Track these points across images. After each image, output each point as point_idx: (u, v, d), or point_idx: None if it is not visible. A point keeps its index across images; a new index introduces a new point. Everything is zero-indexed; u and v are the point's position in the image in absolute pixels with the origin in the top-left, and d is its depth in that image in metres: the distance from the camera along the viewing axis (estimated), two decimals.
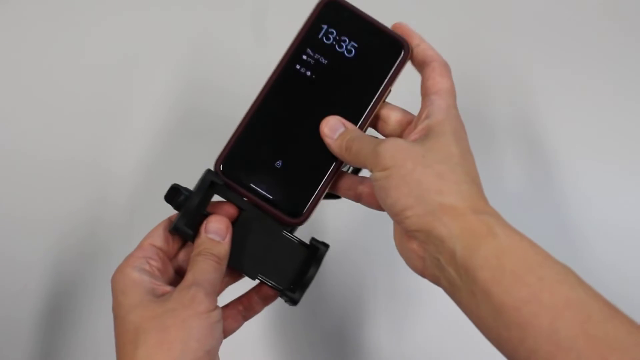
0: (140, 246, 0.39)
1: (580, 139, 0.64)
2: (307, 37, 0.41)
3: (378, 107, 0.41)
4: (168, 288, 0.38)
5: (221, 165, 0.41)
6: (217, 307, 0.37)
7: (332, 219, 0.55)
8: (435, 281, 0.36)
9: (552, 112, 0.65)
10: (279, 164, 0.41)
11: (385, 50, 0.41)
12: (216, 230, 0.39)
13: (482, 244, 0.33)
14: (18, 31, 0.66)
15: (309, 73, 0.41)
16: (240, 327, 0.42)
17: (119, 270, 0.38)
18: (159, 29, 0.67)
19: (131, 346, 0.34)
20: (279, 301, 0.42)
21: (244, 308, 0.42)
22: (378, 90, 0.41)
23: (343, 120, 0.40)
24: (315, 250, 0.41)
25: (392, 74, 0.41)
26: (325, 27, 0.41)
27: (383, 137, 0.40)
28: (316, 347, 0.57)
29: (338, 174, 0.42)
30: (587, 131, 0.64)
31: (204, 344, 0.35)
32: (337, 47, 0.41)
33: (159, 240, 0.40)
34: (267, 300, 0.42)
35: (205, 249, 0.38)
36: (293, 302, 0.41)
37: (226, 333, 0.41)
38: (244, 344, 0.55)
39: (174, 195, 0.40)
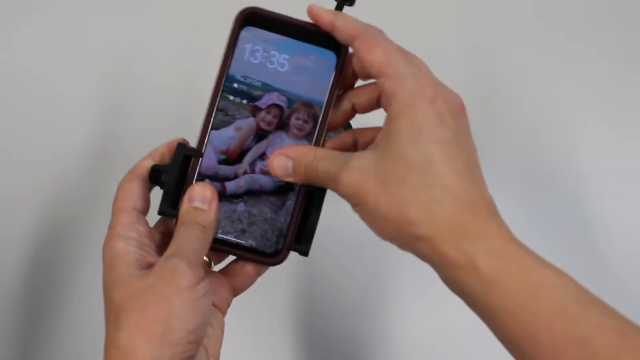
0: (122, 210, 0.36)
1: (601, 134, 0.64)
2: (233, 63, 0.38)
3: (329, 115, 0.38)
4: (153, 259, 0.35)
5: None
6: (202, 279, 0.33)
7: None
8: None
9: (568, 112, 0.65)
10: (241, 206, 0.38)
11: (320, 53, 0.38)
12: (201, 198, 0.35)
13: (465, 279, 0.31)
14: None
15: (245, 101, 0.38)
16: (253, 283, 0.39)
17: (107, 242, 0.35)
18: (158, 28, 0.66)
19: (113, 327, 0.32)
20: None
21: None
22: (324, 98, 0.38)
23: (287, 150, 0.37)
24: (312, 197, 0.39)
25: (334, 76, 0.38)
26: (249, 46, 0.38)
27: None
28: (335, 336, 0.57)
29: None
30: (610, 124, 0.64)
31: (187, 323, 0.32)
32: (267, 64, 0.38)
33: (139, 202, 0.36)
34: None
35: (189, 219, 0.35)
36: (303, 253, 0.39)
37: (239, 290, 0.39)
38: (253, 334, 0.56)
39: (156, 176, 0.37)
